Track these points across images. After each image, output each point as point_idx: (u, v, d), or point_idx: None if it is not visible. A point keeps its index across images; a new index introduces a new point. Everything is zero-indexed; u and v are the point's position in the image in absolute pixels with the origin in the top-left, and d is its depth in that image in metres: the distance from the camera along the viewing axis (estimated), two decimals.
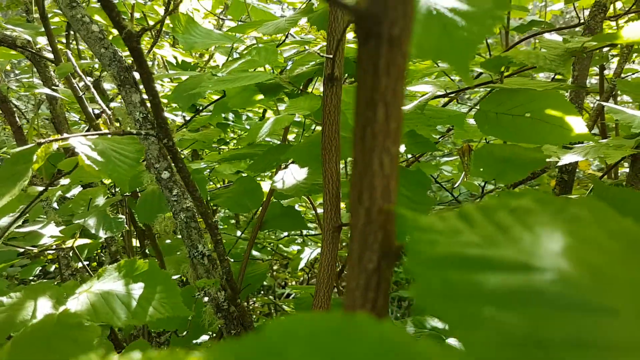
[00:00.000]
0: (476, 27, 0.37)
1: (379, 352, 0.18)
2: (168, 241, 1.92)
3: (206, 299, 1.04)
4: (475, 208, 0.22)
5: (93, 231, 1.20)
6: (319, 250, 1.39)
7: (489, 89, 0.72)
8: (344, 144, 0.73)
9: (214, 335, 1.17)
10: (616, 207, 0.63)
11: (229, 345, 0.19)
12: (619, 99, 1.90)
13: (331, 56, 0.62)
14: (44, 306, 0.65)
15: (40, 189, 0.90)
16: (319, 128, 1.96)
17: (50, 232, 1.15)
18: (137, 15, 2.16)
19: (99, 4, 0.61)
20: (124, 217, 1.24)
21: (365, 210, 0.24)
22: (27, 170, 0.69)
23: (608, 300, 0.19)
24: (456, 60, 0.35)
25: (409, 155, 1.50)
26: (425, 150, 0.79)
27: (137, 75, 1.03)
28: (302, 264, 1.37)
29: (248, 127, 2.05)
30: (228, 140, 2.19)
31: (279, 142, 1.47)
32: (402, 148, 0.74)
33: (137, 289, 0.65)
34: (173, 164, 0.83)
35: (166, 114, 1.11)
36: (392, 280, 2.66)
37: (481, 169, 0.62)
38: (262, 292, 2.31)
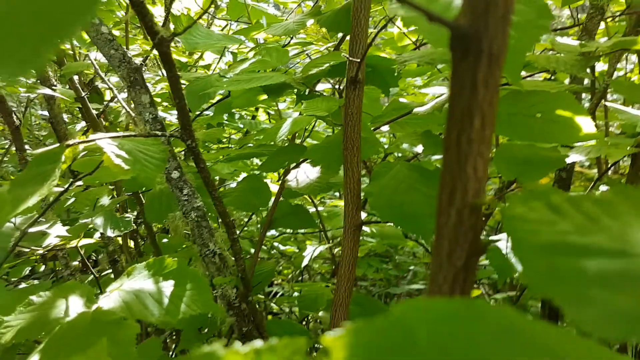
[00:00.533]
0: (524, 36, 0.39)
1: (501, 330, 0.20)
2: (164, 240, 1.92)
3: (216, 294, 1.06)
4: (562, 199, 0.25)
5: (101, 230, 1.21)
6: (321, 248, 1.41)
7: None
8: (364, 144, 0.75)
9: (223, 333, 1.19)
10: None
11: (359, 327, 0.21)
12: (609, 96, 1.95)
13: (358, 60, 0.64)
14: (75, 304, 0.66)
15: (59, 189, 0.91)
16: (320, 129, 1.98)
17: (57, 232, 1.15)
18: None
19: (133, 9, 0.62)
20: (130, 216, 1.24)
21: (456, 211, 0.27)
22: (54, 170, 0.70)
23: None
24: (507, 67, 0.38)
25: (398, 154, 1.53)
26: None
27: (146, 75, 1.04)
28: (305, 262, 1.38)
29: (242, 125, 2.06)
30: (222, 140, 2.20)
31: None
32: (420, 148, 0.77)
33: (168, 286, 0.66)
34: (194, 164, 0.85)
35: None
36: (381, 277, 2.68)
37: (503, 168, 0.65)
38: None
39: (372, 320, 0.21)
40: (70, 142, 0.70)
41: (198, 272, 0.67)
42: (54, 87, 1.55)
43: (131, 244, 2.01)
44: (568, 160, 0.97)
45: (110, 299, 0.65)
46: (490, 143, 0.26)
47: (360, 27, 0.69)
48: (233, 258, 0.97)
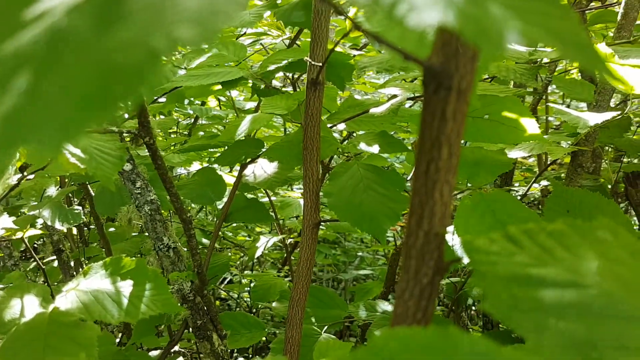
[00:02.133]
0: (483, 59, 0.41)
1: (473, 356, 0.22)
2: (112, 229, 1.89)
3: (172, 290, 1.06)
4: (519, 231, 0.27)
5: (49, 222, 1.18)
6: (275, 239, 1.42)
7: None
8: (323, 143, 0.77)
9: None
10: (573, 206, 0.70)
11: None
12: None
13: (320, 64, 0.65)
14: (31, 304, 0.65)
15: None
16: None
17: (3, 224, 1.12)
18: None
19: None
20: (80, 208, 1.22)
21: (424, 233, 0.29)
22: (8, 166, 0.68)
23: (630, 304, 0.24)
24: None
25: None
26: (397, 150, 0.84)
27: None
28: (259, 252, 1.40)
29: (191, 111, 2.03)
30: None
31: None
32: (377, 148, 0.79)
33: (127, 286, 0.66)
34: (152, 161, 0.84)
35: None
36: (330, 262, 2.72)
37: (460, 167, 0.68)
38: None
39: (358, 349, 0.23)
40: None
41: (157, 271, 0.68)
42: None
43: (74, 231, 1.97)
44: (511, 156, 1.03)
45: (67, 299, 0.65)
46: (456, 170, 0.28)
47: (321, 29, 0.70)
48: (190, 253, 0.97)
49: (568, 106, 2.21)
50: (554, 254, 0.26)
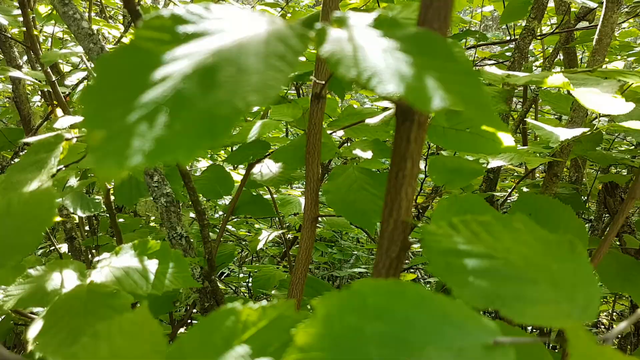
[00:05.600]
0: None
1: (417, 298, 0.33)
2: (121, 220, 2.00)
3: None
4: (459, 221, 0.39)
5: (71, 210, 1.29)
6: (276, 233, 1.54)
7: None
8: (323, 148, 0.88)
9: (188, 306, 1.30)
10: (540, 212, 0.83)
11: (332, 295, 0.34)
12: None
13: (323, 82, 0.77)
14: (70, 278, 0.77)
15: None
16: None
17: None
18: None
19: None
20: (100, 198, 1.33)
21: (393, 221, 0.40)
22: (51, 158, 0.79)
23: (532, 275, 0.36)
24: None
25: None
26: (388, 156, 0.96)
27: None
28: (260, 245, 1.51)
29: None
30: None
31: None
32: (370, 154, 0.90)
33: (153, 264, 0.77)
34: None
35: None
36: (326, 260, 2.83)
37: (434, 176, 0.80)
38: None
39: (339, 291, 0.34)
40: (68, 135, 0.79)
41: (179, 252, 0.79)
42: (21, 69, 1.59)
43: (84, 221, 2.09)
44: (492, 165, 1.14)
45: (101, 274, 0.76)
46: (417, 177, 0.40)
47: (323, 64, 0.82)
48: (202, 241, 1.09)
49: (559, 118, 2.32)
50: (480, 236, 0.37)
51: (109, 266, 0.77)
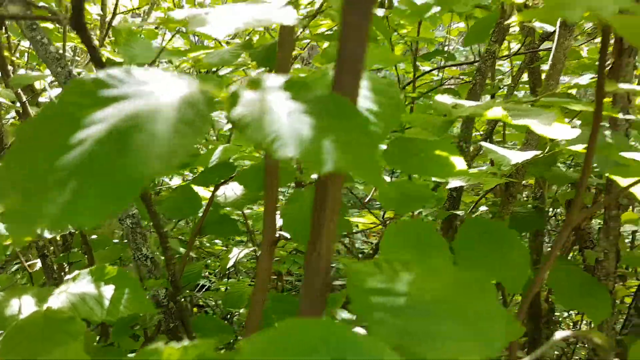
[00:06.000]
0: (385, 124, 0.56)
1: (342, 337, 0.36)
2: (94, 236, 2.00)
3: (148, 296, 1.18)
4: (383, 260, 0.41)
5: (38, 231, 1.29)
6: (247, 250, 1.55)
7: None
8: (282, 173, 0.91)
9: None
10: (485, 235, 0.85)
11: (257, 336, 0.36)
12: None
13: None
14: (28, 304, 0.78)
15: None
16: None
17: None
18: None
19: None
20: None
21: (317, 253, 0.43)
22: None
23: (443, 313, 0.38)
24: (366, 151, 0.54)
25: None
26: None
27: None
28: (230, 263, 1.53)
29: None
30: None
31: None
32: None
33: (109, 290, 0.79)
34: None
35: None
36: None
37: (383, 203, 0.83)
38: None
39: (266, 330, 0.36)
40: None
41: (135, 278, 0.81)
42: None
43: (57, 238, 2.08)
44: (451, 185, 1.18)
45: (58, 300, 0.77)
46: (336, 219, 0.42)
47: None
48: (165, 263, 1.10)
49: None
50: (399, 276, 0.40)
51: (67, 292, 0.79)
